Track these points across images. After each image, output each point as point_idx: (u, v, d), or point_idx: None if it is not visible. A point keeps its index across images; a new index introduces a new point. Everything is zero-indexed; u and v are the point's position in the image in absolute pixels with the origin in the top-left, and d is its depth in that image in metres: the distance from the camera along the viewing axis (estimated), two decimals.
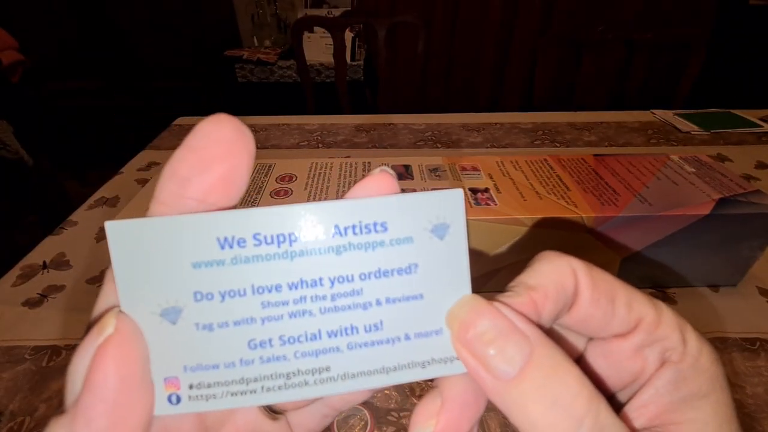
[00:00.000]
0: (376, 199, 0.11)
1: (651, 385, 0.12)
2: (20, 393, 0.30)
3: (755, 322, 0.35)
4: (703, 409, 0.11)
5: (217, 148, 0.11)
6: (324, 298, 0.11)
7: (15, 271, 0.41)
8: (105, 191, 0.54)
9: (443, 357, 0.12)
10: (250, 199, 0.35)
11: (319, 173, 0.39)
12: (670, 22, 1.69)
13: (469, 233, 0.34)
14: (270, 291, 0.11)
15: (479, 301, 0.11)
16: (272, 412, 0.14)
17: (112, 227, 0.10)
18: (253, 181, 0.37)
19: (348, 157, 0.52)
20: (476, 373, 0.10)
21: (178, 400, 0.11)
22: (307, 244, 0.11)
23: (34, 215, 0.75)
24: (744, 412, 0.29)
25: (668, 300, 0.37)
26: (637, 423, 0.12)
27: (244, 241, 0.11)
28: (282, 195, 0.35)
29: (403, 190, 0.12)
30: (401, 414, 0.28)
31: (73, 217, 0.49)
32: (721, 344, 0.33)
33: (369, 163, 0.41)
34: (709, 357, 0.12)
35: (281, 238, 0.11)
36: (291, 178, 0.38)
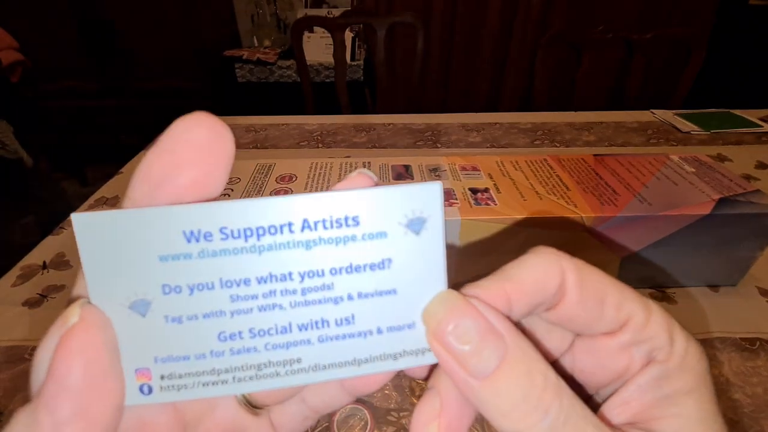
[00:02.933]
0: (347, 192, 0.11)
1: (634, 381, 0.12)
2: (20, 393, 0.30)
3: (755, 322, 0.35)
4: (687, 404, 0.11)
5: (191, 150, 0.10)
6: (294, 292, 0.11)
7: (15, 271, 0.41)
8: (105, 191, 0.54)
9: (415, 349, 0.12)
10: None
11: (319, 173, 0.39)
12: (670, 22, 1.69)
13: (469, 233, 0.34)
14: (238, 285, 0.11)
15: (457, 298, 0.11)
16: (253, 407, 0.14)
17: (78, 219, 0.10)
18: (253, 181, 0.37)
19: (348, 157, 0.52)
20: (451, 370, 0.11)
21: (150, 390, 0.11)
22: (276, 238, 0.11)
23: (32, 215, 0.75)
24: (744, 412, 0.29)
25: (668, 300, 0.37)
26: (620, 419, 0.12)
27: (211, 235, 0.10)
28: (282, 195, 0.35)
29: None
30: (401, 414, 0.28)
31: None
32: (720, 344, 0.33)
33: (369, 163, 0.41)
34: (695, 355, 0.12)
35: (248, 232, 0.11)
36: (291, 178, 0.38)
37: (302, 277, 0.11)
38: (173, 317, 0.11)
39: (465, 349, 0.10)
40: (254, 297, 0.11)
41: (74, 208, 0.51)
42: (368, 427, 0.28)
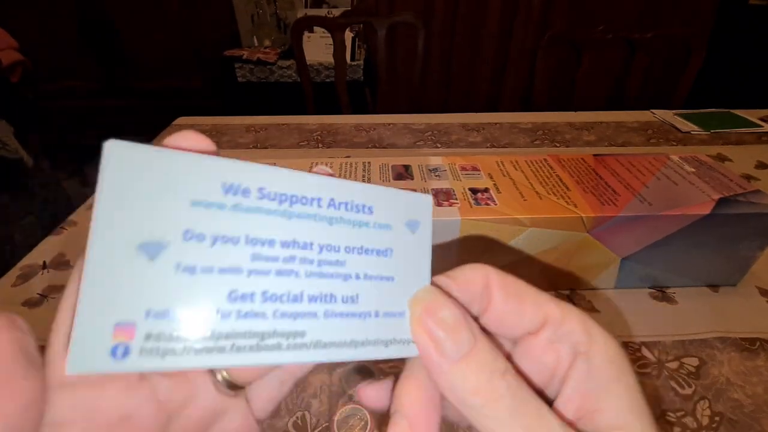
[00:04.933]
0: (368, 186, 0.13)
1: (570, 378, 0.13)
2: None
3: (755, 322, 0.35)
4: (617, 392, 0.12)
5: None
6: (311, 262, 0.12)
7: (15, 271, 0.41)
8: None
9: (403, 339, 0.13)
10: None
11: None
12: (670, 22, 1.69)
13: (469, 233, 0.34)
14: (263, 244, 0.11)
15: (439, 291, 0.13)
16: (232, 388, 0.14)
17: (112, 146, 0.10)
18: None
19: (348, 157, 0.52)
20: (428, 354, 0.12)
21: (125, 353, 0.09)
22: (305, 208, 0.12)
23: (33, 215, 0.75)
24: (744, 412, 0.29)
25: (668, 300, 0.37)
26: (567, 416, 0.13)
27: (249, 192, 0.11)
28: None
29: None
30: None
31: (73, 217, 0.49)
32: (721, 344, 0.33)
33: (369, 163, 0.41)
34: (615, 348, 0.13)
35: (283, 198, 0.11)
36: None
37: (321, 250, 0.12)
38: (186, 266, 0.10)
39: (441, 335, 0.12)
40: (275, 259, 0.11)
41: (74, 208, 0.51)
42: (368, 427, 0.28)
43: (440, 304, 0.13)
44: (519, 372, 0.13)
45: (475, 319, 0.14)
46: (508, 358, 0.14)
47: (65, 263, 0.42)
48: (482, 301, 0.14)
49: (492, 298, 0.14)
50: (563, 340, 0.13)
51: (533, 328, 0.13)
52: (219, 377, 0.14)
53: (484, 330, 0.13)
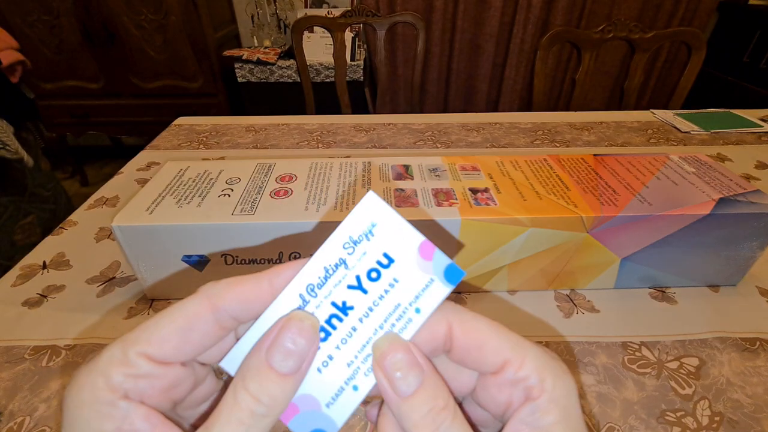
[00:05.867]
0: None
1: (516, 416, 0.14)
2: (20, 393, 0.30)
3: (755, 322, 0.35)
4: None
5: None
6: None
7: (15, 271, 0.41)
8: (105, 191, 0.54)
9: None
10: (250, 198, 0.35)
11: (319, 173, 0.39)
12: (670, 22, 1.69)
13: (469, 233, 0.34)
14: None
15: (397, 338, 0.15)
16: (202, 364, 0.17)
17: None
18: (253, 181, 0.37)
19: (348, 156, 0.52)
20: (384, 388, 0.14)
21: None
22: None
23: (33, 215, 0.75)
24: (744, 412, 0.29)
25: (668, 300, 0.37)
26: None
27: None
28: (282, 195, 0.35)
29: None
30: None
31: (73, 217, 0.49)
32: (720, 344, 0.33)
33: (369, 162, 0.41)
34: (562, 390, 0.14)
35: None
36: (291, 178, 0.38)
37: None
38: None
39: (396, 375, 0.14)
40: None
41: (74, 208, 0.51)
42: (368, 428, 0.28)
43: (395, 348, 0.14)
44: (460, 408, 0.15)
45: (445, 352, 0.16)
46: (465, 392, 0.17)
47: (65, 263, 0.42)
48: (446, 347, 0.15)
49: (453, 344, 0.15)
50: (517, 384, 0.14)
51: (492, 369, 0.15)
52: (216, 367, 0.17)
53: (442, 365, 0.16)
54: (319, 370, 0.15)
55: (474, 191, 0.36)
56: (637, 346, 0.33)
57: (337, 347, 0.15)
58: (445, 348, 0.15)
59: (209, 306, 0.14)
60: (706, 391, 0.30)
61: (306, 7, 1.83)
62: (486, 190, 0.36)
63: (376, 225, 0.15)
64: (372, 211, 0.15)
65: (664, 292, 0.38)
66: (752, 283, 0.39)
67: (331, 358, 0.15)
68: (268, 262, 0.35)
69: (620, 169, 0.39)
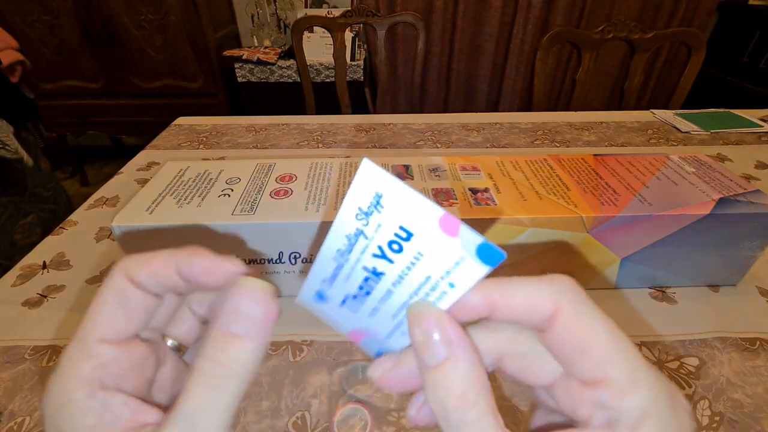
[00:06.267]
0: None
1: (588, 426, 0.13)
2: (20, 393, 0.30)
3: (755, 322, 0.35)
4: None
5: None
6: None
7: (15, 271, 0.41)
8: (105, 191, 0.54)
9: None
10: (250, 198, 0.35)
11: (319, 173, 0.39)
12: (670, 22, 1.69)
13: None
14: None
15: (429, 307, 0.14)
16: (178, 350, 0.18)
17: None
18: (253, 181, 0.37)
19: (348, 157, 0.52)
20: (417, 353, 0.14)
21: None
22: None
23: (33, 215, 0.75)
24: (744, 412, 0.29)
25: (668, 300, 0.37)
26: None
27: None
28: (282, 195, 0.35)
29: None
30: (401, 414, 0.28)
31: (73, 217, 0.49)
32: (720, 344, 0.33)
33: None
34: None
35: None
36: (291, 178, 0.38)
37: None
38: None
39: (422, 344, 0.14)
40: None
41: (74, 208, 0.51)
42: (368, 427, 0.28)
43: (428, 319, 0.14)
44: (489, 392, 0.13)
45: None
46: (538, 383, 0.15)
47: (65, 263, 0.42)
48: (540, 327, 0.14)
49: (551, 330, 0.13)
50: (607, 410, 0.12)
51: (585, 380, 0.13)
52: (169, 343, 0.17)
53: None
54: (371, 314, 0.15)
55: (474, 191, 0.36)
56: (637, 346, 0.33)
57: (381, 301, 0.15)
58: (541, 326, 0.13)
59: (128, 280, 0.15)
60: (706, 391, 0.30)
61: (306, 7, 1.83)
62: (486, 190, 0.36)
63: (382, 195, 0.14)
64: (372, 180, 0.14)
65: (664, 291, 0.38)
66: (752, 283, 0.39)
67: (376, 310, 0.15)
68: (268, 262, 0.35)
69: (620, 169, 0.39)
